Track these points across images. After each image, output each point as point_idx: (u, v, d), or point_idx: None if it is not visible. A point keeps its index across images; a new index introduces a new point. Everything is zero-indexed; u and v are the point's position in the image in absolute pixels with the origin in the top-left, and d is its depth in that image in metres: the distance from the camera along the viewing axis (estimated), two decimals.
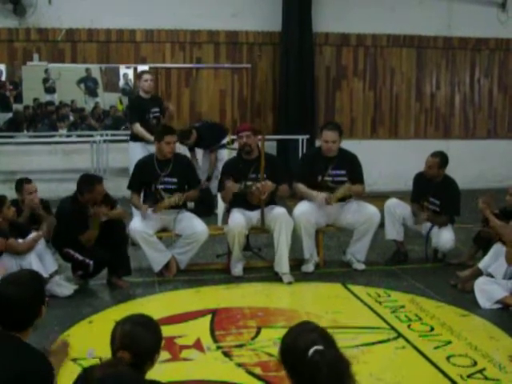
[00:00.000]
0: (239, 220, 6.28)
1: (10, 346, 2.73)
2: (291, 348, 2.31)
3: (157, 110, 8.33)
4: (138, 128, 8.14)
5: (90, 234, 5.84)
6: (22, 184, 6.17)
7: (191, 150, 9.26)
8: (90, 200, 5.85)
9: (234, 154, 7.12)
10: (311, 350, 2.22)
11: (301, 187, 6.58)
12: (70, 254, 5.89)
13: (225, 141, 9.38)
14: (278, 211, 6.33)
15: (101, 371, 2.39)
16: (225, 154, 9.07)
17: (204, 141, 9.27)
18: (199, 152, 9.53)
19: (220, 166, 8.79)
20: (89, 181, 5.93)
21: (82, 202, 5.88)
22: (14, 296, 2.78)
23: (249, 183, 6.31)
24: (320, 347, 2.23)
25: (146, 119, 8.22)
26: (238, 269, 6.39)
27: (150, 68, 10.65)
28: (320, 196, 6.40)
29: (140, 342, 2.66)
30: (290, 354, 2.31)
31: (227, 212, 6.66)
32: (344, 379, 2.22)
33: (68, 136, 10.84)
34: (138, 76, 8.66)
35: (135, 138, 8.27)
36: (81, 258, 5.87)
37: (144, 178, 6.45)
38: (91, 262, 5.87)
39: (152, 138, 7.66)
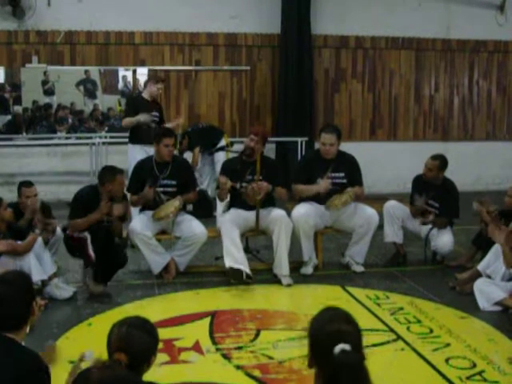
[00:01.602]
0: (231, 223, 6.25)
1: (4, 348, 2.73)
2: (319, 334, 2.34)
3: (156, 114, 8.29)
4: (126, 120, 8.04)
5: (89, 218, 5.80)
6: (20, 187, 6.16)
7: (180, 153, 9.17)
8: (110, 191, 5.82)
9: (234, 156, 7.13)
10: (338, 348, 2.22)
11: (300, 187, 6.58)
12: (69, 234, 5.81)
13: (222, 143, 9.39)
14: (278, 213, 6.33)
15: (99, 373, 2.39)
16: (222, 157, 9.07)
17: (193, 143, 9.24)
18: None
19: (218, 167, 8.80)
20: (110, 170, 5.94)
21: (100, 193, 5.86)
22: (2, 294, 2.79)
23: (244, 184, 6.31)
24: (347, 347, 2.22)
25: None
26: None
27: (149, 70, 10.67)
28: (322, 185, 6.41)
29: (136, 344, 2.66)
30: (317, 340, 2.34)
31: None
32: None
33: (67, 138, 10.85)
34: (151, 79, 8.47)
35: (134, 140, 8.25)
36: (76, 234, 5.75)
37: (143, 181, 6.44)
38: (87, 235, 5.71)
39: (138, 117, 7.72)
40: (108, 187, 5.82)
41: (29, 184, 6.17)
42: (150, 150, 7.16)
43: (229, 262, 6.03)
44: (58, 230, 6.22)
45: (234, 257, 6.06)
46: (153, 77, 8.92)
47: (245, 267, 6.04)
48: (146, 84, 8.59)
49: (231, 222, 6.25)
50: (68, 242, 5.91)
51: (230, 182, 6.28)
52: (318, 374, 2.32)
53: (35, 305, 2.90)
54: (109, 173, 5.89)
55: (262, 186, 6.21)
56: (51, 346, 3.46)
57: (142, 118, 7.83)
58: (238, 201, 6.40)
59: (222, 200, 6.65)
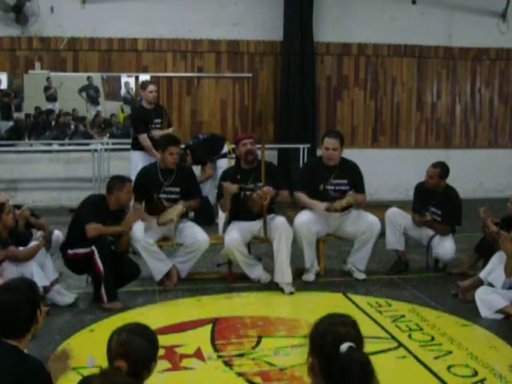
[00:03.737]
0: (235, 237, 6.24)
1: (6, 355, 2.73)
2: (326, 335, 2.30)
3: (158, 120, 8.34)
4: (146, 140, 8.16)
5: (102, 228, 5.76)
6: None
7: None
8: (117, 199, 5.82)
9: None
10: (345, 346, 2.20)
11: (302, 197, 6.58)
12: (70, 254, 5.76)
13: (225, 150, 9.35)
14: (278, 220, 6.31)
15: (99, 380, 2.39)
16: (224, 164, 9.04)
17: (200, 158, 9.21)
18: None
19: (220, 174, 8.78)
20: (120, 179, 5.97)
21: (107, 203, 5.86)
22: (7, 302, 2.79)
23: (248, 193, 6.29)
24: (353, 345, 2.21)
25: (148, 129, 8.24)
26: (255, 274, 6.41)
27: (152, 77, 10.70)
28: (321, 206, 6.41)
29: (136, 351, 2.65)
30: (323, 340, 2.30)
31: (228, 223, 6.62)
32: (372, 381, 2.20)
33: (69, 144, 10.86)
34: (142, 86, 8.64)
35: (136, 146, 8.28)
36: (82, 251, 5.70)
37: (146, 187, 6.44)
38: (94, 248, 5.62)
39: (155, 151, 7.77)
40: (116, 195, 5.82)
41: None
42: (152, 157, 7.20)
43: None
44: (60, 233, 6.23)
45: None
46: (141, 85, 8.94)
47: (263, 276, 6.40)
48: (140, 94, 8.71)
49: (237, 239, 6.24)
50: (71, 262, 5.86)
51: (234, 186, 6.26)
52: (317, 378, 2.31)
53: (39, 313, 2.90)
54: (118, 181, 5.91)
55: (268, 191, 6.21)
56: (64, 353, 3.42)
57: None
58: (239, 213, 6.39)
59: (224, 211, 6.63)
